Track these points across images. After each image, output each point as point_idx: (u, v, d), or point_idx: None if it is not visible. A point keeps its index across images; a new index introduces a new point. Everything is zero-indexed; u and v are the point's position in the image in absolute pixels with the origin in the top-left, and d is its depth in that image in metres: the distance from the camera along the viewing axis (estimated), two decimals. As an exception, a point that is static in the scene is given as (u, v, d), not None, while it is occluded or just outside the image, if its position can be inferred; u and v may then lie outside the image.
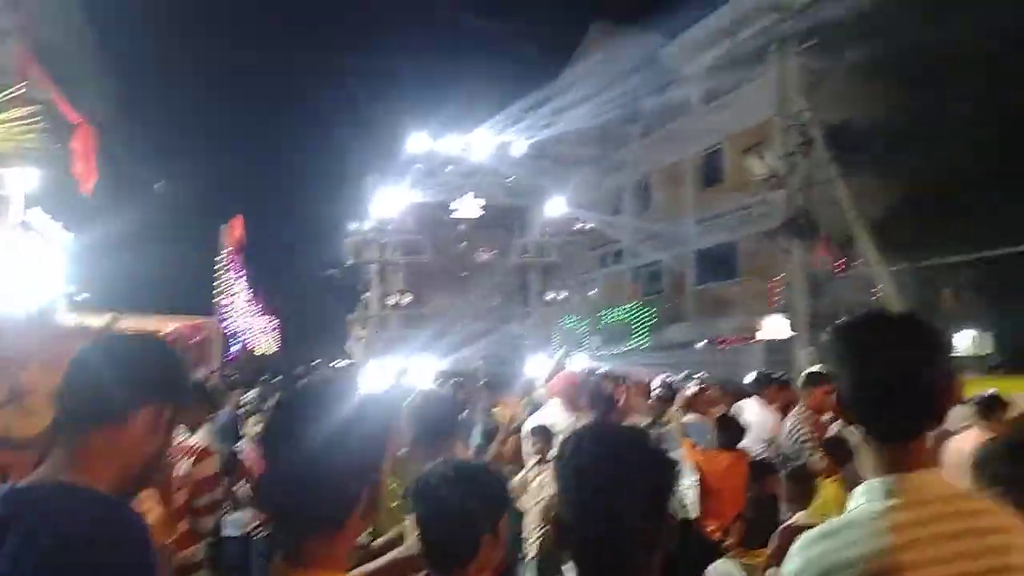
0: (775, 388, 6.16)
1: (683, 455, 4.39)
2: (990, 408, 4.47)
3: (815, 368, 5.04)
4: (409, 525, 2.18)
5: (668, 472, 1.27)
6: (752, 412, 5.82)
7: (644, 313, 22.02)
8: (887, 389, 1.26)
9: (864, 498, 1.28)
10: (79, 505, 1.13)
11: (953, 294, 21.39)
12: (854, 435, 3.59)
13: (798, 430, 4.47)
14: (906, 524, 1.21)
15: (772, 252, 14.81)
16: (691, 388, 5.73)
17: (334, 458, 1.13)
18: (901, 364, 1.26)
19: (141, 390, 1.26)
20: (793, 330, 13.61)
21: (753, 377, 6.42)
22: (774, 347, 17.38)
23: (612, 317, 22.85)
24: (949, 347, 1.38)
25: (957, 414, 4.14)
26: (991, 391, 4.43)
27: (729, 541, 3.33)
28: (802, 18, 14.01)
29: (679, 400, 5.54)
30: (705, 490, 4.35)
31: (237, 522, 4.86)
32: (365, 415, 1.20)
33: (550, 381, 5.68)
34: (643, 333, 21.10)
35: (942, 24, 15.47)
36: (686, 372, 7.11)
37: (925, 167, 17.15)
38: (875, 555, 1.18)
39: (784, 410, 5.30)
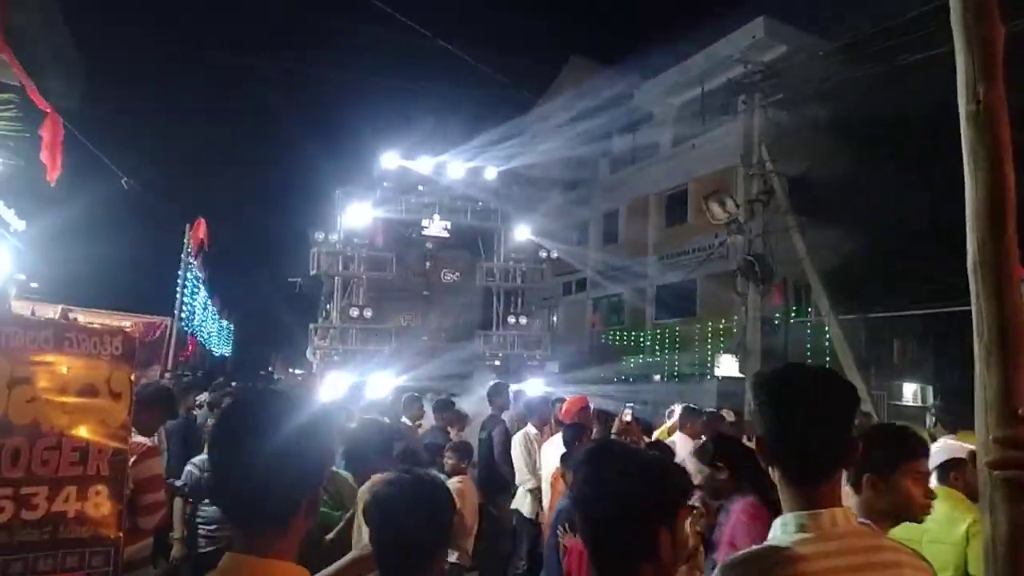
0: (699, 422, 6.61)
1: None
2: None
3: None
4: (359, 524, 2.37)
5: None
6: (679, 444, 6.13)
7: (603, 343, 22.27)
8: (802, 438, 1.41)
9: (780, 530, 1.43)
10: None
11: (900, 346, 22.16)
12: None
13: None
14: (814, 555, 1.36)
15: (729, 293, 15.18)
16: (627, 414, 6.01)
17: (283, 467, 1.23)
18: (815, 415, 1.40)
19: None
20: (744, 370, 13.97)
21: (678, 411, 6.79)
22: (727, 384, 17.78)
23: (572, 345, 23.06)
24: (858, 402, 1.54)
25: None
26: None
27: None
28: (768, 73, 14.60)
29: (616, 425, 5.82)
30: None
31: None
32: (315, 431, 1.30)
33: (564, 406, 6.02)
34: (602, 363, 21.31)
35: (897, 89, 16.26)
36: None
37: (877, 223, 17.85)
38: (785, 581, 1.32)
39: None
